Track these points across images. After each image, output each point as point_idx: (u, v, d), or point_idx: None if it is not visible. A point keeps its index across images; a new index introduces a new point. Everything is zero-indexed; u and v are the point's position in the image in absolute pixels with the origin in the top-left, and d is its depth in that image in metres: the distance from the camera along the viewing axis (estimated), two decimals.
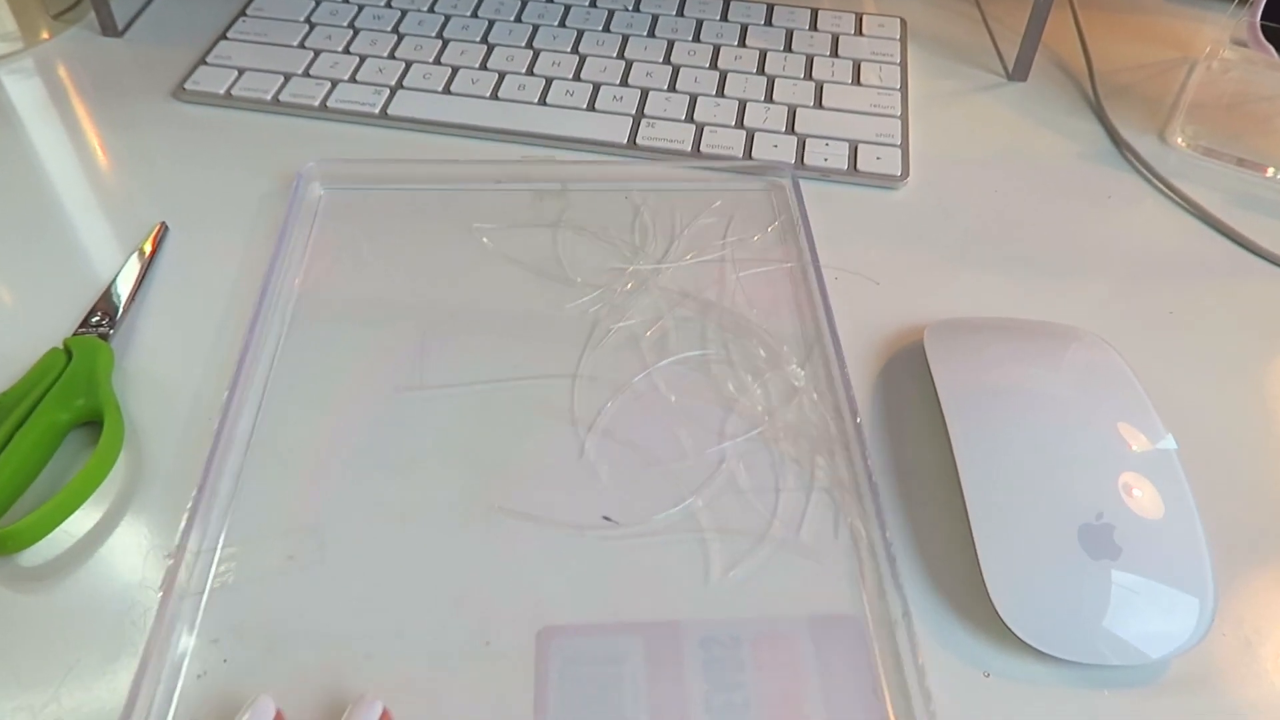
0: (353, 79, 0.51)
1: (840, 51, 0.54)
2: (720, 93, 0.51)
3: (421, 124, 0.49)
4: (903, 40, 0.56)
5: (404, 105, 0.49)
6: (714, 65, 0.53)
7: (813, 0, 0.59)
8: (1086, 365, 0.36)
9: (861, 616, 0.31)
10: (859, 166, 0.47)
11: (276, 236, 0.42)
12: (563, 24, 0.55)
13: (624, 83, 0.51)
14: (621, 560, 0.32)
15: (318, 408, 0.36)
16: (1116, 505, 0.32)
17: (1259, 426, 0.38)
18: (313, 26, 0.54)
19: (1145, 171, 0.49)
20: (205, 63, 0.52)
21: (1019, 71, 0.55)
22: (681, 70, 0.52)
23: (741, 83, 0.51)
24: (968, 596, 0.32)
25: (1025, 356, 0.37)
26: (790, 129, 0.49)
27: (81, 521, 0.33)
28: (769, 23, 0.56)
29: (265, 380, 0.37)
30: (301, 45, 0.53)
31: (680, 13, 0.56)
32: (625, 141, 0.48)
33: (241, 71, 0.51)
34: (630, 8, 0.56)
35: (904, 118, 0.50)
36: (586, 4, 0.57)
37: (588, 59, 0.52)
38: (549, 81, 0.51)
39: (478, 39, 0.54)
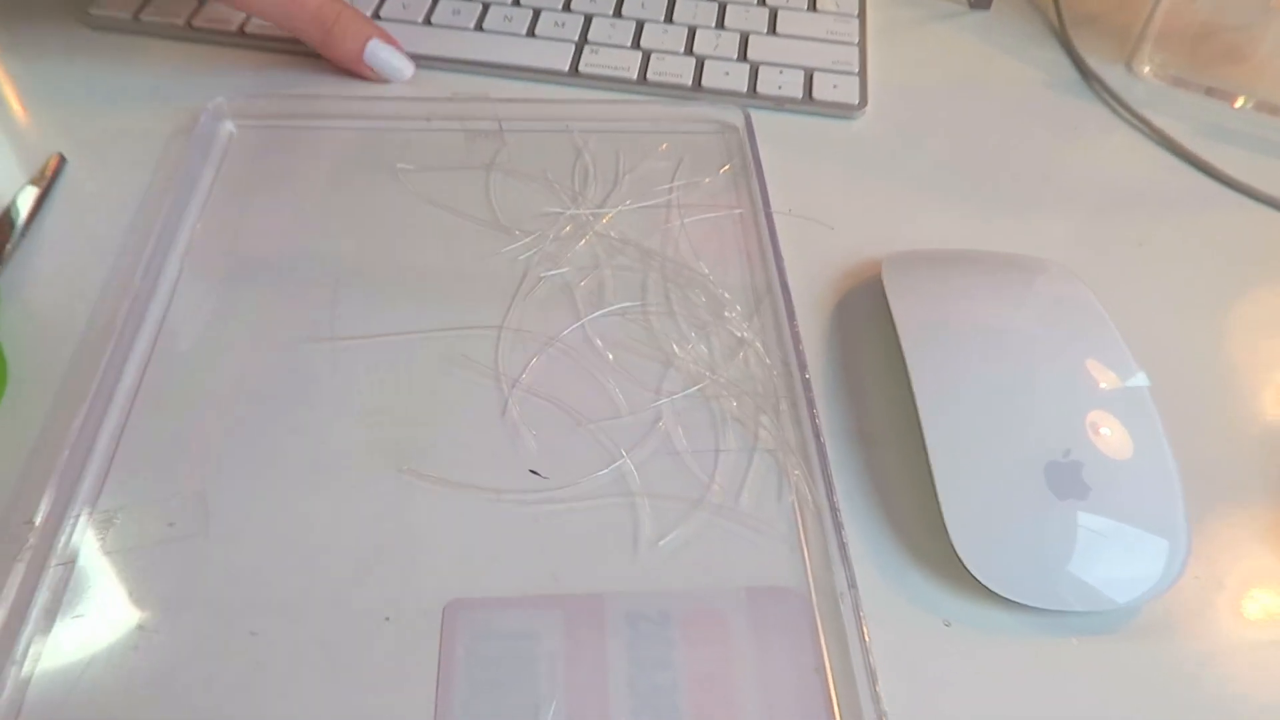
0: None
1: None
2: (669, 19, 0.47)
3: None
4: None
5: None
6: None
7: None
8: (1055, 298, 0.34)
9: (804, 589, 0.28)
10: (815, 95, 0.44)
11: (179, 175, 0.38)
12: None
13: (566, 8, 0.47)
14: (542, 527, 0.29)
15: (213, 359, 0.33)
16: (1085, 443, 0.29)
17: (1233, 362, 0.35)
18: None
19: (1112, 101, 0.46)
20: None
21: None
22: None
23: (691, 8, 0.48)
24: (928, 543, 0.29)
25: (990, 289, 0.34)
26: (743, 56, 0.45)
27: None
28: None
29: (158, 328, 0.33)
30: None
31: None
32: (567, 69, 0.44)
33: None
34: None
35: (862, 45, 0.47)
36: None
37: None
38: (486, 7, 0.47)
39: None
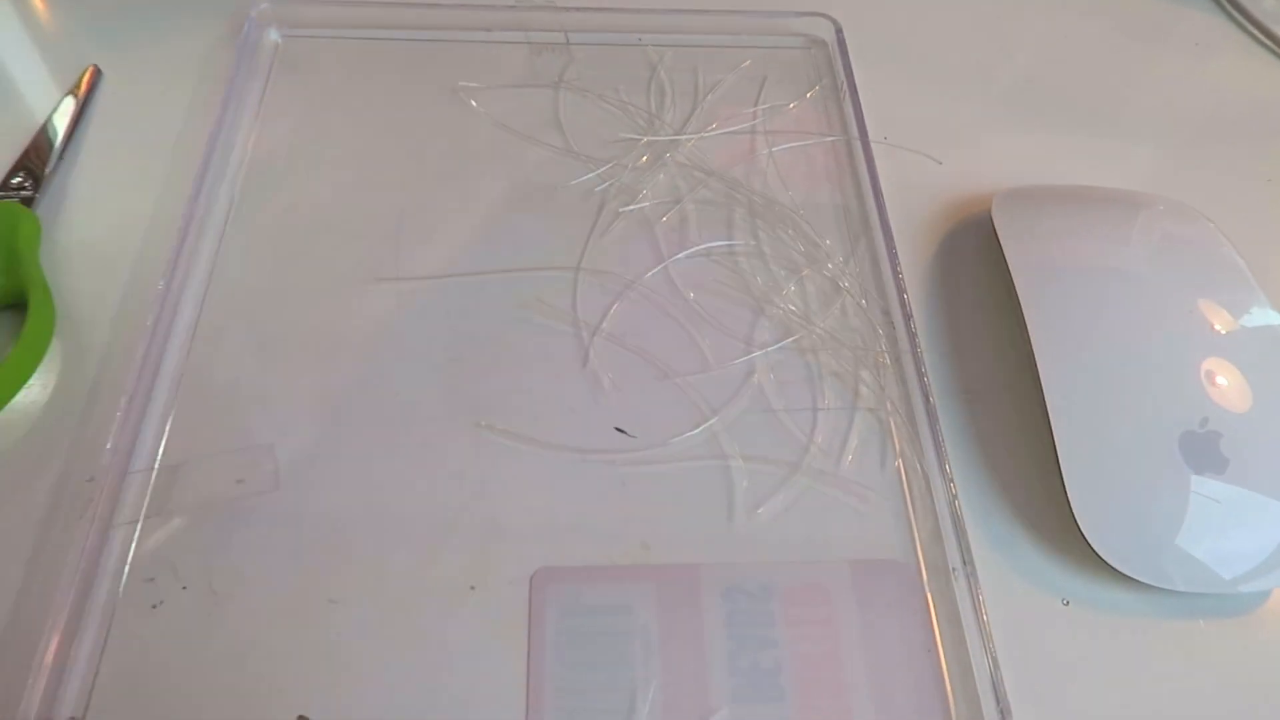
0: None
1: None
2: None
3: None
4: None
5: None
6: None
7: None
8: (1184, 242, 0.31)
9: (913, 562, 0.26)
10: None
11: (225, 90, 0.35)
12: None
13: None
14: (630, 491, 0.27)
15: (273, 300, 0.30)
16: (1222, 411, 0.27)
17: None
18: None
19: (1238, 15, 0.42)
20: None
21: None
22: None
23: None
24: (1044, 514, 0.28)
25: (1112, 232, 0.31)
26: None
27: (7, 420, 0.27)
28: None
29: (213, 261, 0.31)
30: None
31: None
32: None
33: None
34: None
35: None
36: None
37: None
38: None
39: None
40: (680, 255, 0.32)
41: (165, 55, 0.37)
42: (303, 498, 0.27)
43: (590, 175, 0.34)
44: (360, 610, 0.25)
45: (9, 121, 0.34)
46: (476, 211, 0.33)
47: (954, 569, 0.26)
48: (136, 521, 0.26)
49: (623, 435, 0.28)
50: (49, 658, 0.23)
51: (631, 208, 0.33)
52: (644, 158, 0.35)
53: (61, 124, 0.34)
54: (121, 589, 0.25)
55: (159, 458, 0.27)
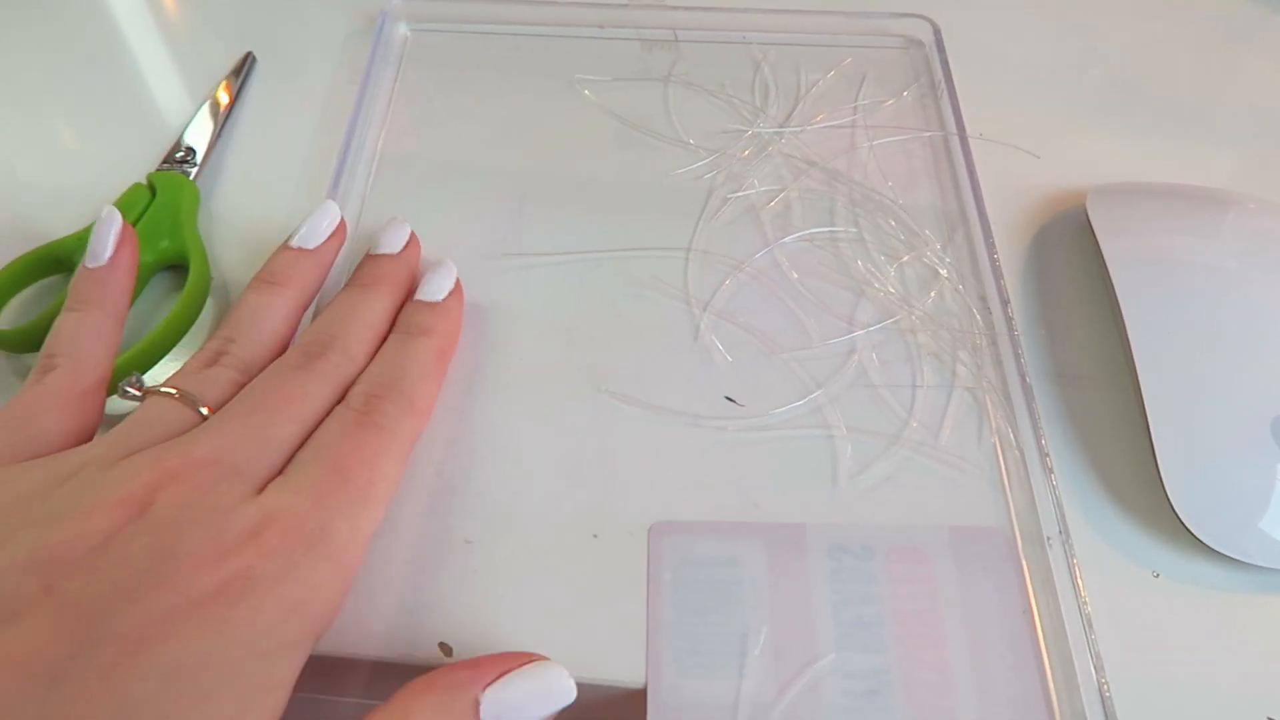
0: None
1: None
2: None
3: None
4: None
5: None
6: None
7: None
8: (1273, 238, 0.32)
9: (1008, 531, 0.28)
10: None
11: (361, 79, 0.38)
12: None
13: None
14: (740, 455, 0.29)
15: None
16: None
17: None
18: None
19: None
20: None
21: None
22: None
23: None
24: (1135, 491, 0.29)
25: (1203, 227, 0.33)
26: None
27: (166, 370, 0.30)
28: None
29: (353, 233, 0.34)
30: None
31: None
32: None
33: None
34: None
35: None
36: None
37: None
38: None
39: None
40: (786, 239, 0.34)
41: (309, 46, 0.40)
42: (438, 449, 0.29)
43: (699, 164, 0.36)
44: (493, 551, 0.27)
45: (177, 101, 0.38)
46: (593, 195, 0.35)
47: (1048, 537, 0.28)
48: None
49: (732, 404, 0.30)
50: None
51: (739, 194, 0.35)
52: (749, 149, 0.37)
53: (220, 104, 0.37)
54: None
55: None
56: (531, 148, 0.37)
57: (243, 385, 0.26)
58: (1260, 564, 0.27)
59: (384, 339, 0.28)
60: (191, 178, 0.35)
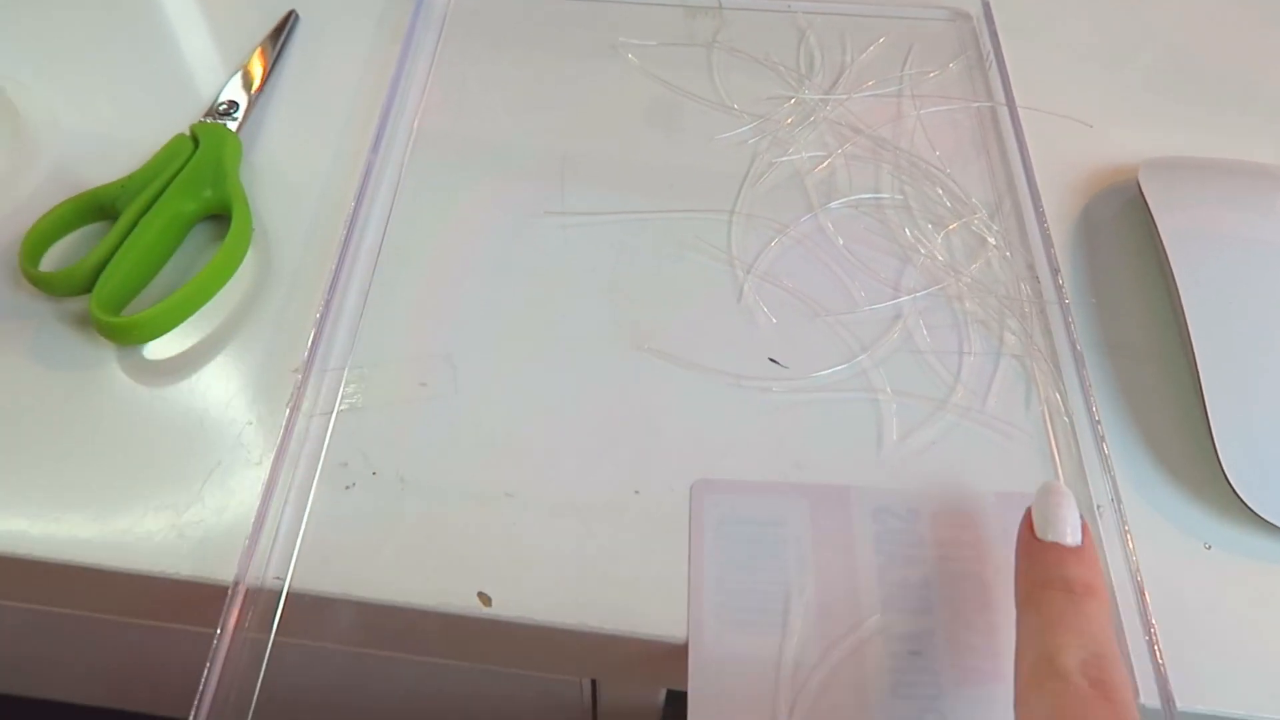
0: None
1: None
2: None
3: None
4: None
5: None
6: None
7: None
8: None
9: None
10: None
11: (403, 39, 0.37)
12: None
13: None
14: (783, 416, 0.29)
15: (450, 224, 0.33)
16: None
17: None
18: None
19: None
20: None
21: None
22: None
23: None
24: (1186, 462, 0.28)
25: (1256, 201, 0.32)
26: None
27: (207, 317, 0.31)
28: None
29: (395, 189, 0.34)
30: None
31: None
32: None
33: None
34: None
35: None
36: None
37: None
38: None
39: None
40: (831, 204, 0.34)
41: (352, 5, 0.40)
42: (479, 403, 0.29)
43: (743, 129, 0.36)
44: (534, 504, 0.27)
45: (220, 56, 0.38)
46: (635, 156, 0.35)
47: (1099, 505, 0.27)
48: (331, 412, 0.28)
49: (775, 365, 0.30)
50: (260, 527, 0.26)
51: (783, 159, 0.35)
52: (792, 116, 0.36)
53: (263, 61, 0.37)
54: (318, 470, 0.27)
55: (349, 359, 0.30)
56: (574, 110, 0.36)
57: None
58: None
59: None
60: (234, 130, 0.34)
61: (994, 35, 0.38)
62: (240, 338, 0.30)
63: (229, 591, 0.25)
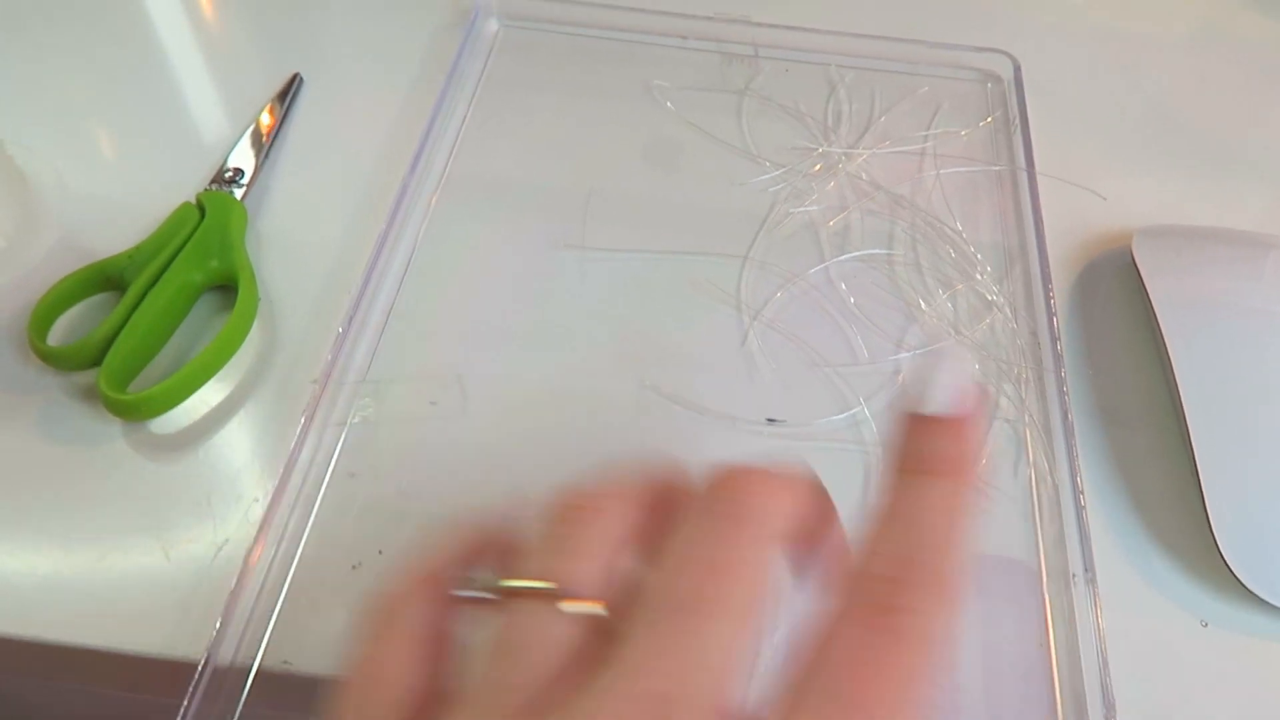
0: None
1: None
2: None
3: None
4: None
5: None
6: None
7: None
8: None
9: (1034, 564, 0.28)
10: None
11: (451, 68, 0.39)
12: None
13: None
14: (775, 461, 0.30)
15: (472, 253, 0.34)
16: None
17: None
18: None
19: None
20: None
21: None
22: None
23: None
24: (1185, 540, 0.29)
25: (1252, 271, 0.32)
26: None
27: (213, 389, 0.31)
28: None
29: (422, 221, 0.35)
30: None
31: None
32: None
33: None
34: None
35: None
36: None
37: None
38: None
39: None
40: (842, 258, 0.35)
41: (351, 69, 0.41)
42: (486, 424, 0.30)
43: (765, 176, 0.37)
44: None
45: (226, 120, 0.39)
46: (657, 197, 0.36)
47: (1074, 575, 0.28)
48: (344, 425, 0.30)
49: (773, 422, 0.31)
50: (268, 520, 0.27)
51: (801, 209, 0.36)
52: (817, 166, 0.37)
53: (266, 126, 0.38)
54: (328, 476, 0.29)
55: (366, 374, 0.31)
56: (603, 147, 0.38)
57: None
58: None
59: None
60: (239, 198, 0.35)
61: (1022, 100, 0.39)
62: (246, 408, 0.31)
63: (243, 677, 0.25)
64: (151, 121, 0.39)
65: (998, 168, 0.38)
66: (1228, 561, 0.27)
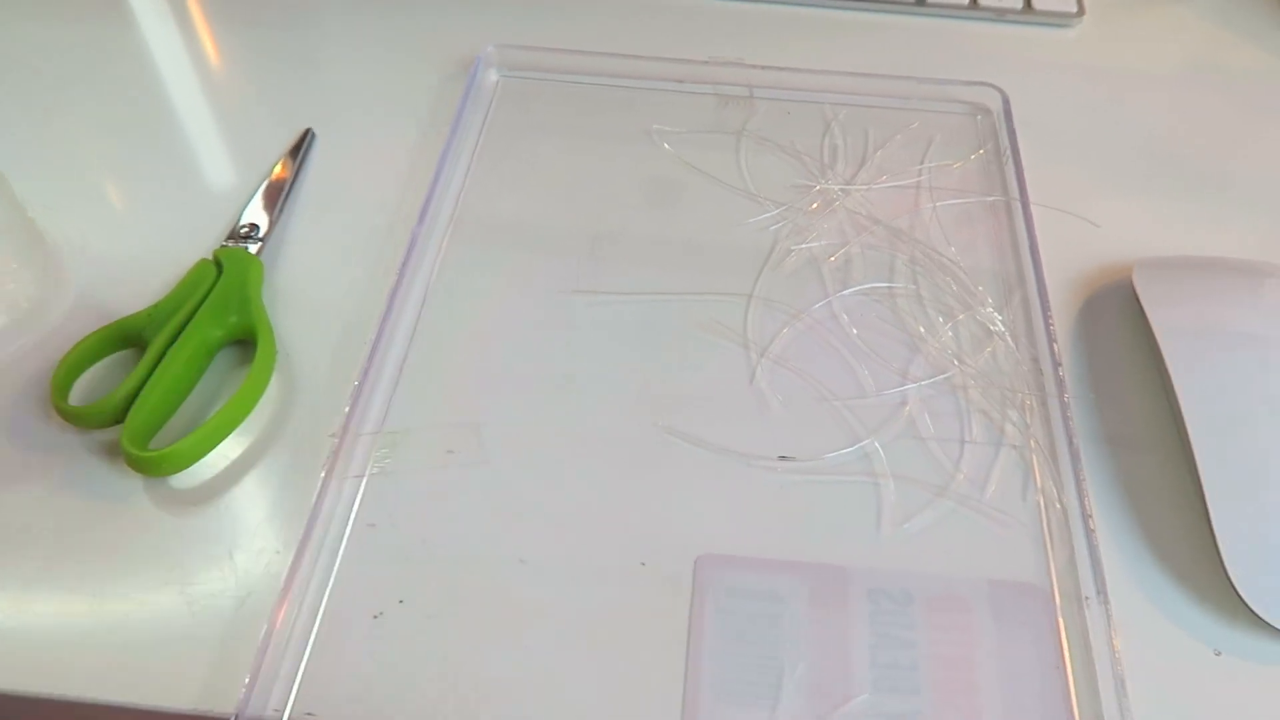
0: None
1: None
2: None
3: None
4: None
5: None
6: None
7: None
8: None
9: (1047, 588, 0.29)
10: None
11: (455, 119, 0.40)
12: None
13: None
14: (787, 496, 0.30)
15: (484, 302, 0.35)
16: None
17: None
18: None
19: None
20: None
21: None
22: None
23: None
24: (1195, 566, 0.29)
25: (1252, 300, 0.33)
26: None
27: (233, 443, 0.31)
28: None
29: (432, 270, 0.36)
30: None
31: None
32: None
33: None
34: None
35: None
36: None
37: None
38: None
39: None
40: (845, 292, 0.35)
41: (370, 119, 0.42)
42: (503, 470, 0.31)
43: (765, 215, 0.38)
44: (546, 570, 0.29)
45: (239, 179, 0.40)
46: (662, 239, 0.37)
47: (1086, 597, 0.28)
48: (362, 476, 0.31)
49: (785, 459, 0.31)
50: (292, 574, 0.28)
51: (802, 246, 0.37)
52: (815, 204, 0.38)
53: (280, 181, 0.39)
54: (348, 529, 0.29)
55: (383, 425, 0.32)
56: (607, 192, 0.39)
57: None
58: None
59: None
60: (255, 253, 0.36)
61: (1012, 132, 0.40)
62: (266, 462, 0.31)
63: None
64: (168, 180, 0.40)
65: (992, 198, 0.38)
66: (1238, 589, 0.27)
